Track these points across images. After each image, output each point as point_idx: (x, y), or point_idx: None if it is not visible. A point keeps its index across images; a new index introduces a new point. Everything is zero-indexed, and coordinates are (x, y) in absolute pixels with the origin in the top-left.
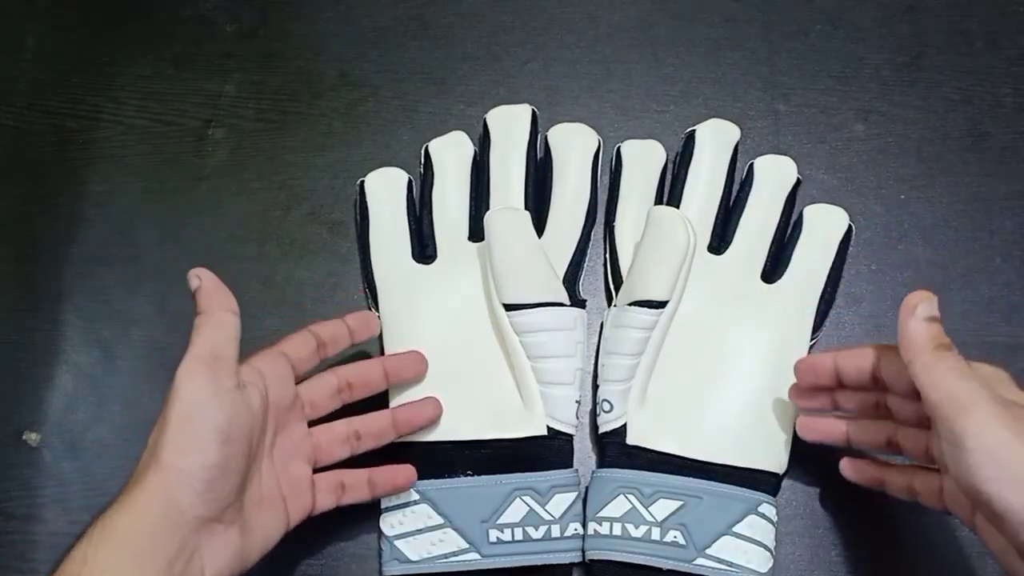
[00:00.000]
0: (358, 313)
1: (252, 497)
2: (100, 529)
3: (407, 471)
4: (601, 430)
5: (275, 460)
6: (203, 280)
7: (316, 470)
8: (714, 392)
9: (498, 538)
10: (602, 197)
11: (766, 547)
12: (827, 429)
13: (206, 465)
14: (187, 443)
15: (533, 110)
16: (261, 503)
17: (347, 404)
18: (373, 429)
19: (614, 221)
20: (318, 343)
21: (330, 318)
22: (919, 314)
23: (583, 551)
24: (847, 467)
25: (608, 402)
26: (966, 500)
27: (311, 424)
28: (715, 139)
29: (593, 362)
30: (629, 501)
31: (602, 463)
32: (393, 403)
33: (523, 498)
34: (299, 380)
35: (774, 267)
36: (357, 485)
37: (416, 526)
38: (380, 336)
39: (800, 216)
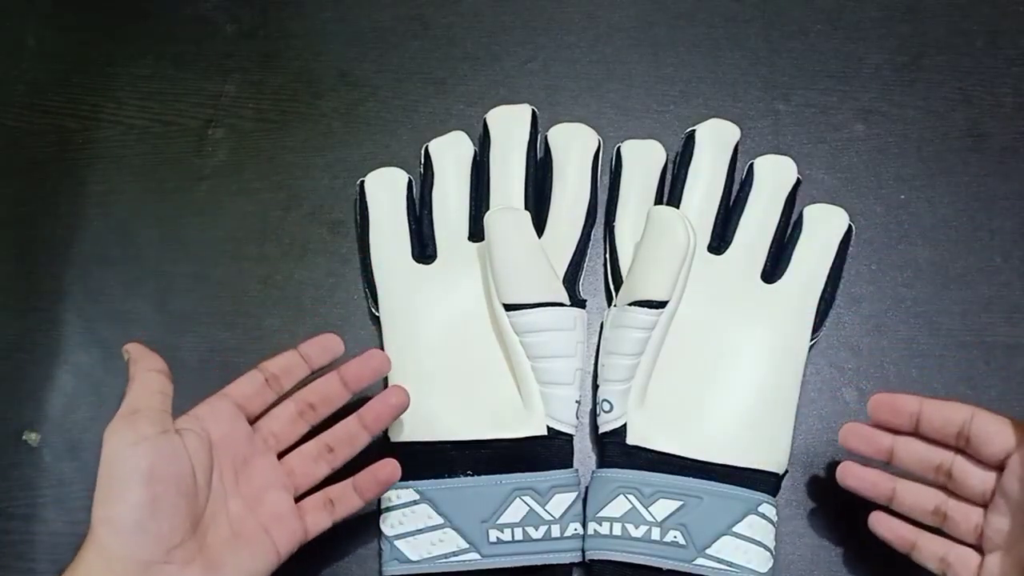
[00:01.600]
0: (316, 338)
1: (218, 535)
2: None
3: (388, 465)
4: (601, 430)
5: (244, 496)
6: (131, 351)
7: (305, 495)
8: (714, 392)
9: (498, 538)
10: (602, 197)
11: (766, 547)
12: (874, 481)
13: (131, 507)
14: (110, 492)
15: (533, 110)
16: (233, 540)
17: (321, 424)
18: (342, 436)
19: (614, 221)
20: (266, 377)
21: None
22: None
23: (583, 551)
24: (879, 523)
25: (608, 402)
26: None
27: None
28: (715, 139)
29: (593, 362)
30: (629, 501)
31: (602, 463)
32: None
33: (523, 498)
34: (259, 416)
35: (774, 267)
36: (345, 496)
37: (416, 526)
38: (380, 336)
39: (800, 216)
